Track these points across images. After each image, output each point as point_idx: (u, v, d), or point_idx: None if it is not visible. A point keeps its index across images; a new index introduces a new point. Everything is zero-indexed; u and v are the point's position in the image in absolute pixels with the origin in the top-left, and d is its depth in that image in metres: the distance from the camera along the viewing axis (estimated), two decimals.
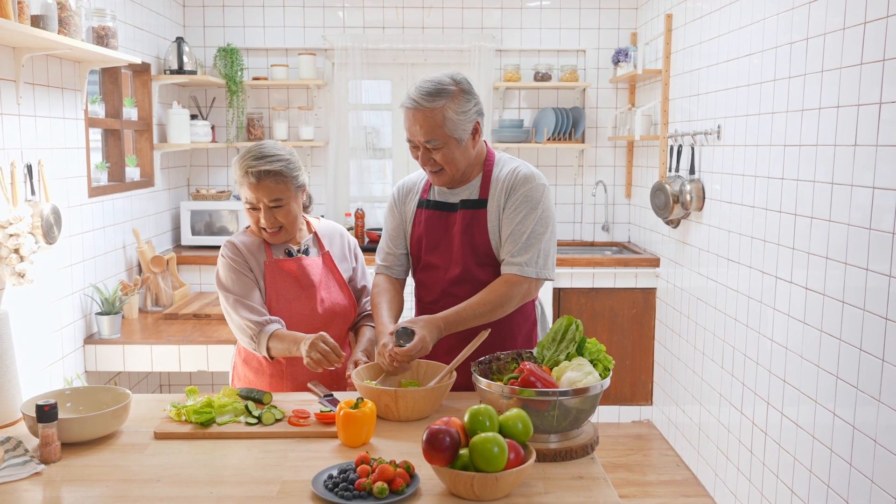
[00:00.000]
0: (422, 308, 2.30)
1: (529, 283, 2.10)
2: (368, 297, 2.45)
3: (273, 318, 2.18)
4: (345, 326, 2.35)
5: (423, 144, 2.07)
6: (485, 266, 2.16)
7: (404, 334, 1.99)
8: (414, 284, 2.35)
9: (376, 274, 2.33)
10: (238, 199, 4.65)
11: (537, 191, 2.12)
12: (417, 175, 2.32)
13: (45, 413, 1.68)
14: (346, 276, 2.37)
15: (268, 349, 2.14)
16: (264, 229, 2.19)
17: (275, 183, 2.13)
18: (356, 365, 2.23)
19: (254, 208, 2.17)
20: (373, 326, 2.45)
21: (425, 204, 2.24)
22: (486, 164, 2.19)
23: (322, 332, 2.06)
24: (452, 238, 2.18)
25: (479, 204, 2.15)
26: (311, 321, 2.24)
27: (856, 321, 2.38)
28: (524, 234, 2.09)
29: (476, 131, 2.12)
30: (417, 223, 2.25)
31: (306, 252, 2.30)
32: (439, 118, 2.03)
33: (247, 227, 2.31)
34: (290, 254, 2.27)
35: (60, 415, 1.85)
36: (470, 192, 2.18)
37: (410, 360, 1.99)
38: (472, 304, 2.06)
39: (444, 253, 2.20)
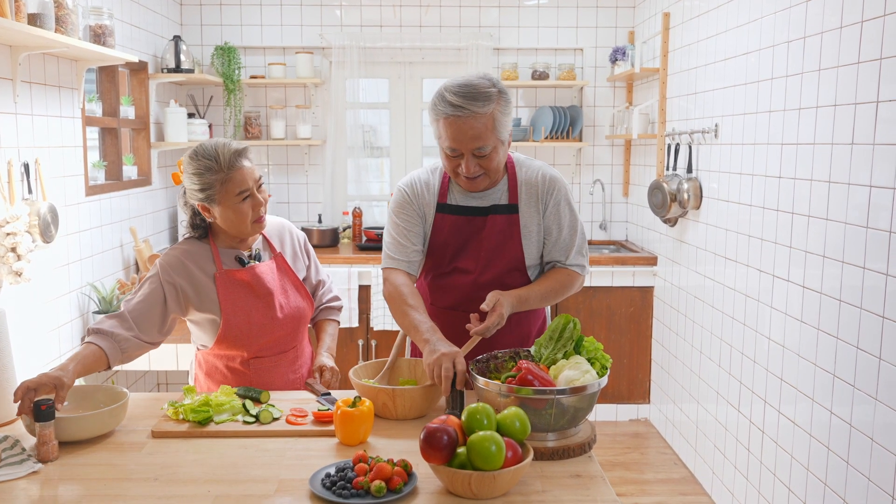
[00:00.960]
0: (436, 312, 2.22)
1: (581, 281, 2.21)
2: (325, 288, 2.41)
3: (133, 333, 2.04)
4: (305, 328, 2.30)
5: (473, 152, 1.98)
6: (511, 272, 2.15)
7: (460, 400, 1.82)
8: (426, 289, 2.26)
9: (393, 269, 2.13)
10: None
11: (567, 190, 2.18)
12: (426, 174, 2.20)
13: (43, 412, 1.68)
14: (300, 275, 2.29)
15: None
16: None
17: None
18: (320, 370, 2.21)
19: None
20: (335, 320, 2.42)
21: (447, 209, 2.16)
22: (509, 167, 2.17)
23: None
24: (482, 243, 2.14)
25: (511, 209, 2.13)
26: (272, 329, 2.16)
27: (853, 320, 2.38)
28: (574, 234, 2.16)
29: (510, 131, 2.09)
30: (439, 228, 2.16)
31: (258, 258, 2.19)
32: (490, 123, 1.96)
33: (186, 237, 2.19)
34: (241, 262, 2.15)
35: (57, 414, 1.85)
36: (499, 196, 2.14)
37: (491, 330, 1.95)
38: (537, 287, 2.11)
39: (473, 258, 2.15)
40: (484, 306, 1.97)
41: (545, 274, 2.18)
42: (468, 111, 1.93)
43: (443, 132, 1.99)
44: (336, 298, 2.46)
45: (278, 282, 2.20)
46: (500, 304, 1.97)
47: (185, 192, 2.12)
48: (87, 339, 2.02)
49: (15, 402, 1.74)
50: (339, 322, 2.45)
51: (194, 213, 2.15)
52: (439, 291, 2.23)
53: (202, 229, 2.17)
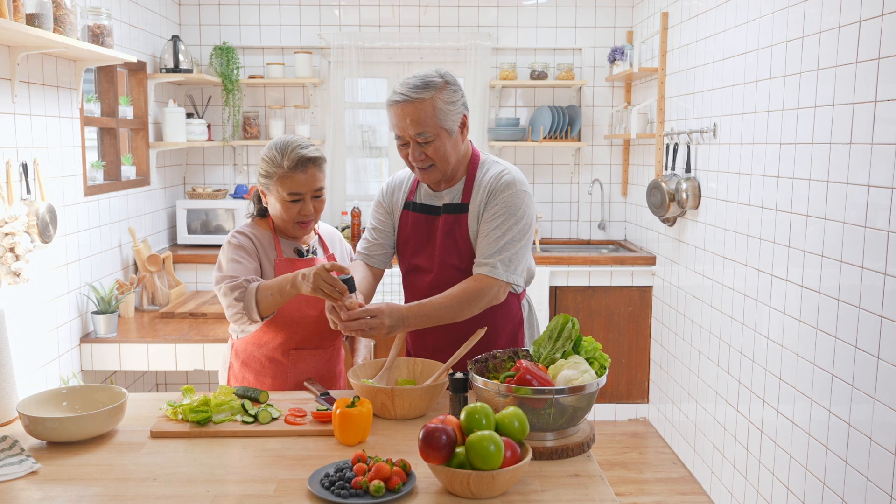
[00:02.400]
0: None
1: (498, 286, 2.07)
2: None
3: (252, 277, 2.12)
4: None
5: (415, 138, 2.05)
6: (466, 271, 2.15)
7: (460, 386, 1.82)
8: (402, 288, 2.35)
9: (353, 260, 2.34)
10: (235, 196, 4.65)
11: (518, 197, 2.10)
12: (405, 173, 2.31)
13: (350, 282, 1.90)
14: None
15: (258, 304, 2.05)
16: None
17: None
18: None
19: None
20: None
21: (411, 206, 2.24)
22: (471, 166, 2.18)
23: (321, 264, 1.96)
24: (435, 242, 2.18)
25: (461, 208, 2.15)
26: (319, 321, 2.21)
27: (851, 319, 2.38)
28: (501, 238, 2.07)
29: (464, 125, 2.11)
30: (403, 225, 2.25)
31: (315, 253, 2.30)
32: (429, 109, 2.02)
33: (251, 218, 2.30)
34: (300, 253, 2.26)
35: (55, 414, 1.86)
36: (453, 195, 2.18)
37: (356, 324, 1.91)
38: (437, 299, 2.03)
39: (428, 257, 2.20)
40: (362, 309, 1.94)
41: (454, 285, 2.07)
42: (407, 97, 2.03)
43: (391, 121, 2.10)
44: None
45: None
46: (379, 310, 1.93)
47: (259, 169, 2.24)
48: (253, 291, 2.07)
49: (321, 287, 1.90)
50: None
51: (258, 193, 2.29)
52: (408, 291, 2.31)
53: (262, 208, 2.30)
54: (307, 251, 2.28)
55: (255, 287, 2.07)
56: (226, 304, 2.10)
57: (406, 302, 2.29)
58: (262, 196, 2.24)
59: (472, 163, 2.19)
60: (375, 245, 2.30)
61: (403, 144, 2.10)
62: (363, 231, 4.69)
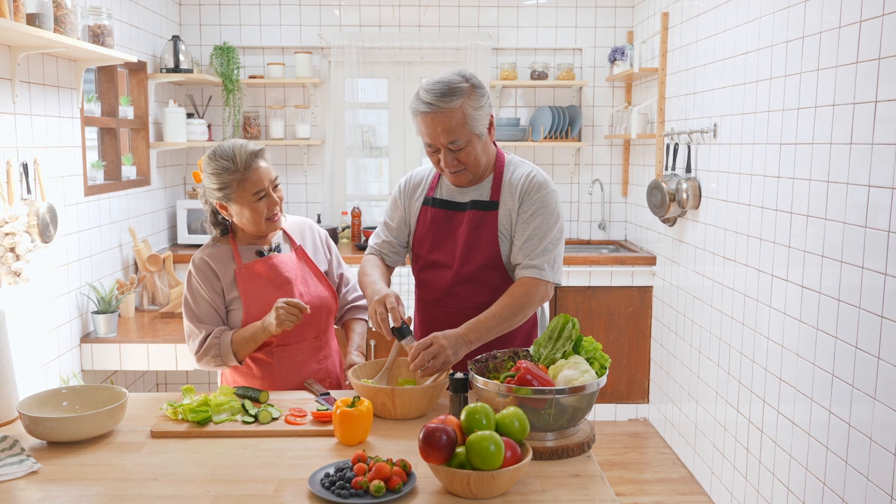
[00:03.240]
0: (422, 307, 2.29)
1: (546, 287, 2.10)
2: (350, 286, 2.44)
3: (221, 326, 2.18)
4: (329, 319, 2.32)
5: (447, 146, 2.04)
6: (488, 268, 2.16)
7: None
8: (414, 283, 2.34)
9: (368, 254, 2.31)
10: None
11: (552, 197, 2.14)
12: (425, 169, 2.30)
13: (406, 329, 1.95)
14: (322, 267, 2.34)
15: (235, 355, 2.13)
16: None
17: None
18: (350, 368, 2.23)
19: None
20: (363, 319, 2.45)
21: (431, 202, 2.23)
22: (497, 165, 2.19)
23: (280, 299, 2.05)
24: (457, 238, 2.17)
25: (490, 206, 2.14)
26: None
27: (851, 319, 2.38)
28: (542, 240, 2.10)
29: (491, 125, 2.11)
30: (422, 221, 2.24)
31: (277, 249, 2.27)
32: (459, 117, 2.01)
33: (213, 238, 2.28)
34: (260, 254, 2.23)
35: (56, 414, 1.86)
36: (480, 192, 2.17)
37: (418, 363, 1.90)
38: (494, 311, 2.02)
39: (448, 252, 2.18)
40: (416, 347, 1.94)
41: (504, 293, 2.08)
42: (437, 108, 2.00)
43: (420, 128, 2.08)
44: (362, 297, 2.47)
45: (298, 271, 2.26)
46: (435, 340, 1.92)
47: (204, 191, 2.20)
48: (227, 342, 2.14)
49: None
50: (367, 321, 2.46)
51: (214, 212, 2.24)
52: (422, 286, 2.28)
53: (223, 226, 2.27)
54: (268, 250, 2.25)
55: (228, 340, 2.13)
56: (198, 359, 2.18)
57: (420, 299, 2.29)
58: (220, 211, 2.20)
59: (499, 162, 2.20)
60: (389, 245, 2.29)
61: (435, 151, 2.08)
62: (363, 230, 4.73)
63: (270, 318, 2.06)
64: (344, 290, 2.43)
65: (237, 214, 2.16)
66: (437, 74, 2.09)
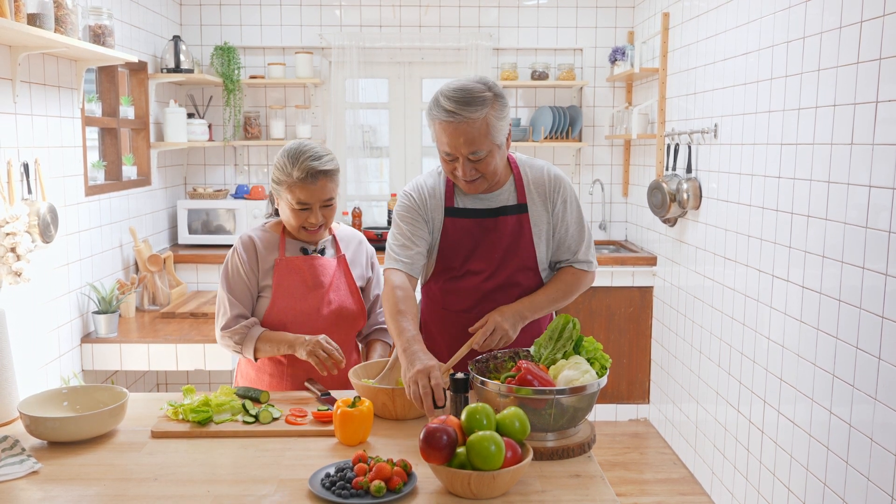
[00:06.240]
0: (449, 316, 2.20)
1: (592, 277, 2.21)
2: (382, 309, 2.36)
3: (254, 318, 2.21)
4: (351, 332, 2.31)
5: (467, 156, 1.97)
6: (525, 270, 2.15)
7: (461, 386, 1.76)
8: (438, 294, 2.22)
9: (394, 269, 2.09)
10: (236, 197, 4.65)
11: (571, 188, 2.19)
12: (431, 179, 2.19)
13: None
14: (359, 283, 2.32)
15: (255, 350, 2.16)
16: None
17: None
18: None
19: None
20: (387, 342, 2.39)
21: (456, 213, 2.14)
22: (513, 168, 2.17)
23: (323, 335, 2.06)
24: (494, 244, 2.12)
25: (521, 209, 2.13)
26: (315, 322, 2.20)
27: (852, 319, 2.38)
28: (582, 231, 2.17)
29: (509, 134, 2.06)
30: (448, 232, 2.14)
31: (322, 252, 2.28)
32: (483, 128, 1.93)
33: (265, 224, 2.30)
34: (304, 251, 2.25)
35: (56, 414, 1.86)
36: (507, 197, 2.14)
37: (477, 338, 1.98)
38: (547, 292, 2.12)
39: (485, 259, 2.13)
40: (475, 328, 2.02)
41: (553, 276, 2.18)
42: (461, 117, 1.92)
43: (438, 136, 1.99)
44: None
45: (334, 278, 2.26)
46: (491, 318, 1.99)
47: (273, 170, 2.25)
48: (255, 336, 2.17)
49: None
50: (390, 345, 2.40)
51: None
52: (452, 295, 2.19)
53: (276, 209, 2.32)
54: (313, 250, 2.26)
55: (255, 336, 2.15)
56: (220, 338, 2.20)
57: (448, 309, 2.20)
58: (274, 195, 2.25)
59: (513, 163, 2.18)
60: (417, 253, 2.11)
61: (452, 160, 2.00)
62: (364, 231, 4.73)
63: (304, 345, 2.06)
64: (377, 312, 2.39)
65: (281, 210, 2.21)
66: (457, 80, 2.00)
